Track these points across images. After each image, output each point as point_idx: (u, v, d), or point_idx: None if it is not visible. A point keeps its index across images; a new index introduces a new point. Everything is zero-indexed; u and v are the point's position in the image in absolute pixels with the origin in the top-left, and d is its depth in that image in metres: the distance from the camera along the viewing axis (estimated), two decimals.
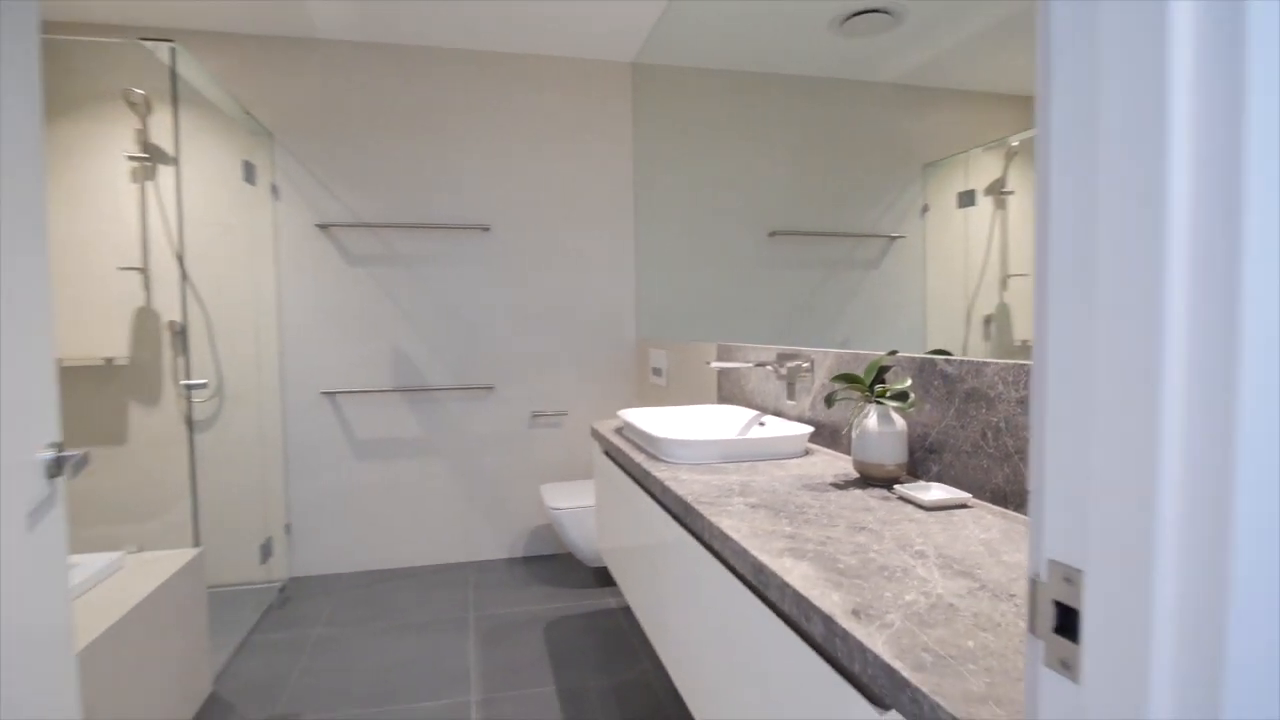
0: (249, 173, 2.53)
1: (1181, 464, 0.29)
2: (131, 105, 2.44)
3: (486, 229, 2.86)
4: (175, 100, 2.17)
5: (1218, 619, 0.28)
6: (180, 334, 2.51)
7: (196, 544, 1.91)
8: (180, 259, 2.48)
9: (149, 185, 2.47)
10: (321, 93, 2.69)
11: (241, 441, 2.63)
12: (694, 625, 1.12)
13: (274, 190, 2.66)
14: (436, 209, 2.82)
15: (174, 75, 1.95)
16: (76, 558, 1.60)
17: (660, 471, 1.29)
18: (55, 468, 0.95)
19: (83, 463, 0.97)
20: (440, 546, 2.91)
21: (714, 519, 0.97)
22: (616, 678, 1.99)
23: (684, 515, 1.09)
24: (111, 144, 2.46)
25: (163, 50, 1.84)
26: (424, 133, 2.79)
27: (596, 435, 1.88)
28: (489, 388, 2.90)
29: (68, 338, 2.44)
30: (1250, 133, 0.27)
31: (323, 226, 2.71)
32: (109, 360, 2.44)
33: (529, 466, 2.98)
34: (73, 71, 2.42)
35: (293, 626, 2.34)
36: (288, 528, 2.74)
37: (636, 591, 1.55)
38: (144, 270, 2.48)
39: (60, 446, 0.97)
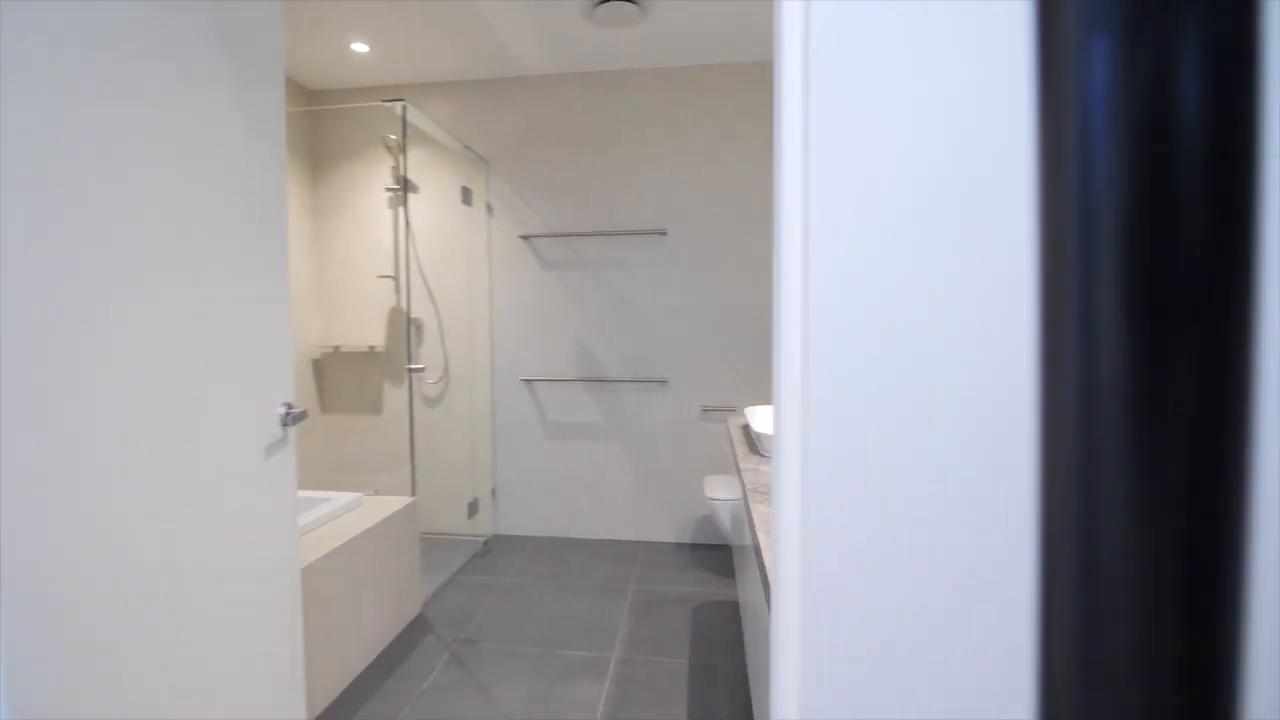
0: (466, 196, 3.06)
1: None
2: (388, 149, 3.10)
3: (664, 233, 3.08)
4: (404, 143, 2.73)
5: None
6: (411, 328, 3.12)
7: (413, 494, 2.41)
8: (419, 268, 3.10)
9: (400, 210, 3.12)
10: (525, 122, 3.14)
11: (460, 417, 3.19)
12: None
13: (489, 209, 3.18)
14: (619, 216, 3.11)
15: (404, 124, 2.47)
16: (330, 494, 2.14)
17: (747, 463, 1.37)
18: (286, 419, 1.35)
19: (301, 417, 1.35)
20: (615, 524, 3.22)
21: (755, 504, 1.05)
22: (746, 664, 2.08)
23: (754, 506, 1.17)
24: (377, 179, 3.15)
25: (397, 107, 2.36)
26: (609, 146, 3.10)
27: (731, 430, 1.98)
28: (663, 381, 3.13)
29: (345, 330, 3.19)
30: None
31: (525, 237, 3.16)
32: (371, 348, 3.14)
33: (698, 457, 3.15)
34: (353, 126, 3.15)
35: (489, 573, 2.79)
36: (493, 492, 3.25)
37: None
38: (395, 278, 3.14)
39: (290, 405, 1.37)
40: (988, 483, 0.40)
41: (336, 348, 3.17)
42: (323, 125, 3.18)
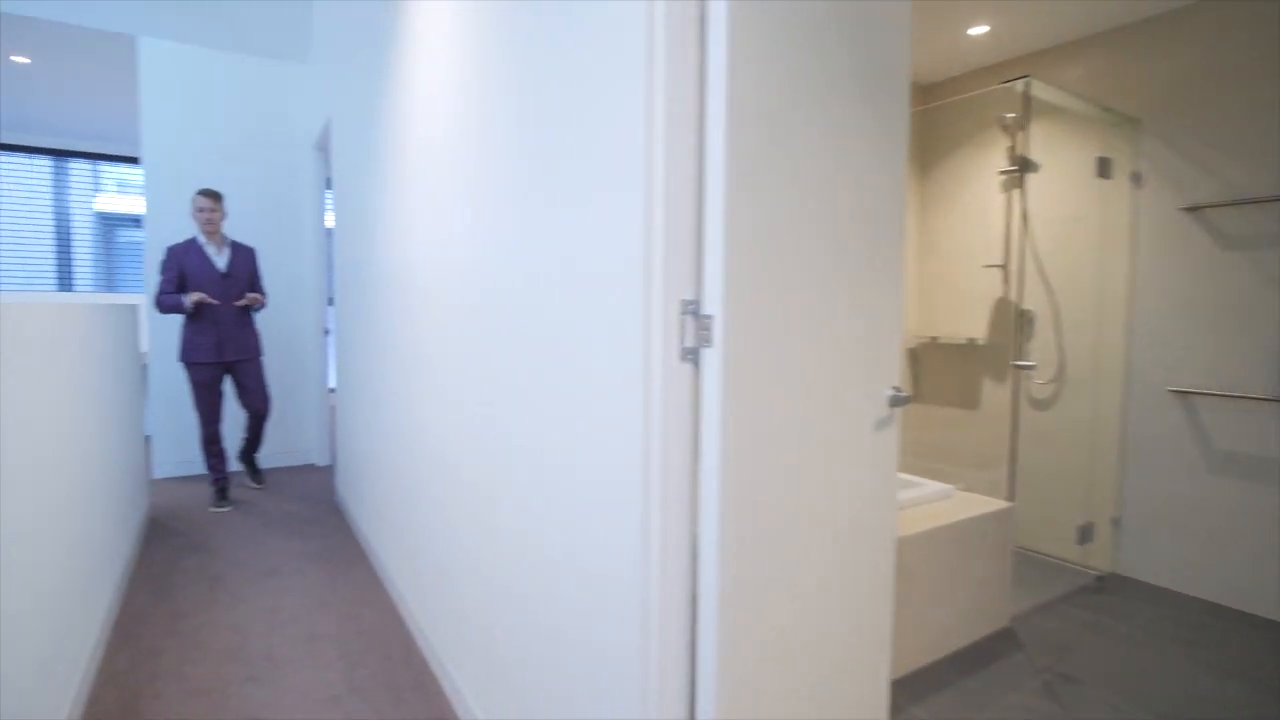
0: (1103, 167, 2.59)
1: None
2: (1004, 129, 2.90)
3: None
4: (1025, 121, 2.49)
5: None
6: (1021, 321, 2.85)
7: (1009, 500, 2.23)
8: (1033, 255, 2.81)
9: (1013, 194, 2.89)
10: (1193, 64, 2.44)
11: (1074, 425, 2.77)
12: None
13: (1135, 179, 2.62)
14: None
15: (1027, 101, 2.26)
16: (920, 480, 2.19)
17: None
18: (893, 400, 1.44)
19: (906, 400, 1.43)
20: None
21: None
22: None
23: None
24: (988, 164, 3.00)
25: (1018, 85, 2.18)
26: None
27: None
28: None
29: (943, 321, 3.18)
30: None
31: (1190, 209, 2.48)
32: (970, 340, 3.04)
33: None
34: (962, 113, 3.07)
35: (1102, 613, 2.36)
36: (1115, 521, 2.70)
37: None
38: (1004, 267, 2.93)
39: (898, 388, 1.46)
40: None
41: (934, 339, 3.19)
42: (931, 118, 3.22)
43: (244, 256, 3.47)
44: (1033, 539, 2.83)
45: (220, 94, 4.00)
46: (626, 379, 1.08)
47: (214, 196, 3.32)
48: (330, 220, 4.20)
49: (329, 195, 4.26)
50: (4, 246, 5.30)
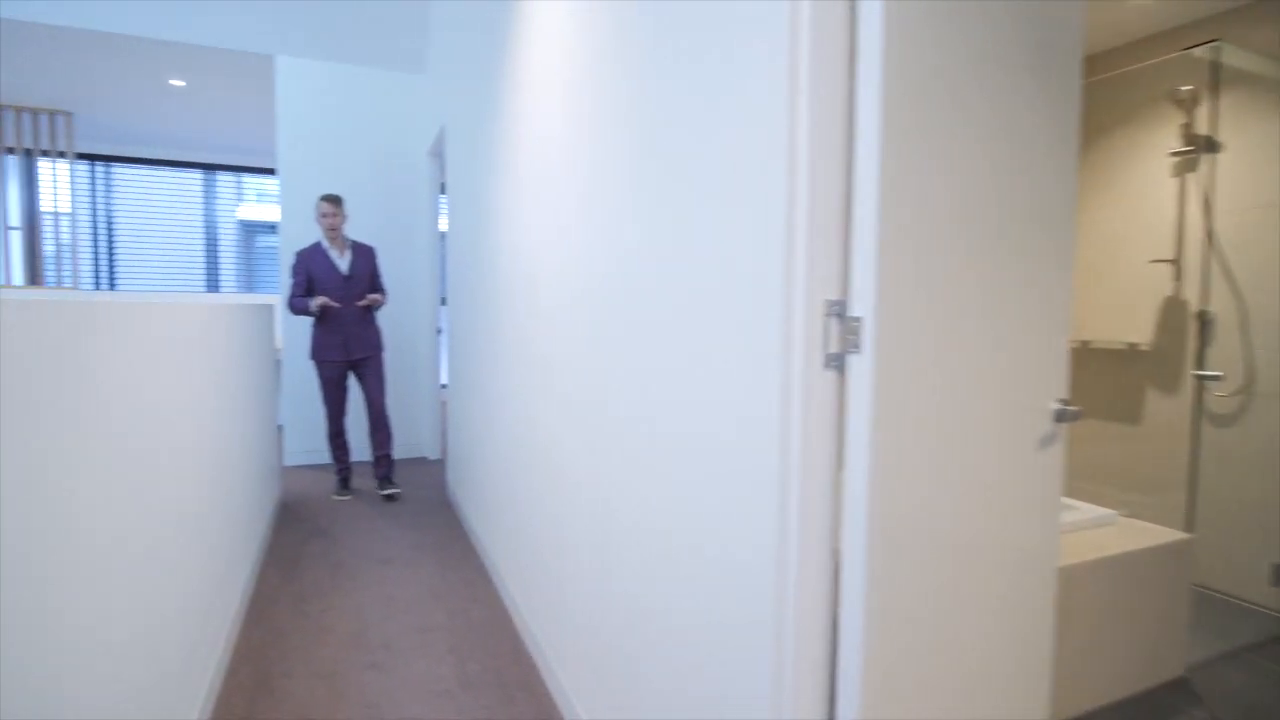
0: None
1: None
2: (1178, 103, 2.54)
3: None
4: (1213, 96, 2.14)
5: None
6: (1198, 324, 2.48)
7: (1188, 532, 1.93)
8: (1214, 248, 2.44)
9: (1189, 177, 2.52)
10: None
11: (1266, 446, 2.38)
12: None
13: None
14: None
15: (1215, 70, 1.95)
16: (1077, 502, 1.94)
17: None
18: (1059, 415, 1.26)
19: (1075, 415, 1.24)
20: None
21: None
22: None
23: None
24: (1154, 144, 2.64)
25: (1203, 51, 1.87)
26: None
27: None
28: None
29: (1098, 323, 2.83)
30: None
31: None
32: (1132, 345, 2.68)
33: None
34: (1124, 89, 2.72)
35: None
36: None
37: None
38: (1175, 261, 2.57)
39: (1065, 401, 1.27)
40: None
41: (1085, 342, 2.85)
42: (1086, 94, 2.87)
43: (364, 257, 3.60)
44: (1214, 577, 2.47)
45: (345, 106, 4.23)
46: (761, 386, 0.98)
47: (335, 201, 3.47)
48: (443, 224, 4.35)
49: (442, 200, 4.42)
50: (161, 252, 5.89)
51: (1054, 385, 1.29)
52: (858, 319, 0.93)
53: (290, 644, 2.12)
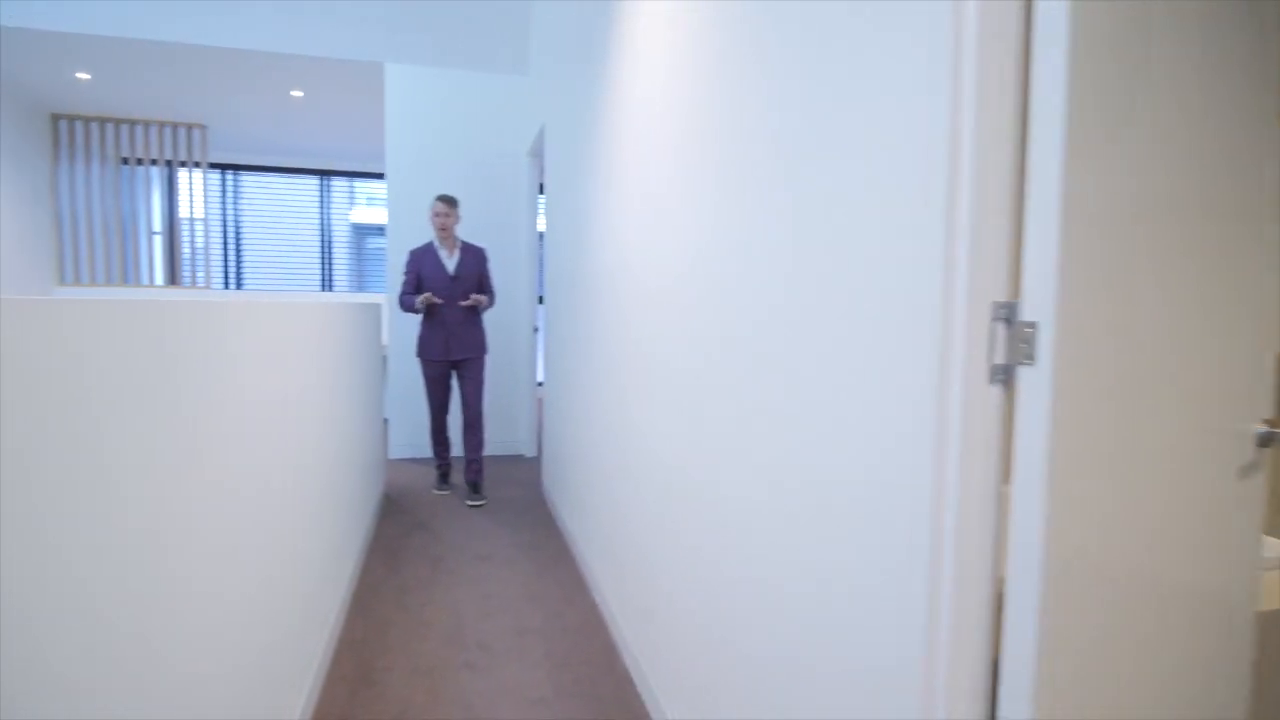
0: None
1: None
2: None
3: None
4: None
5: None
6: None
7: None
8: None
9: None
10: None
11: None
12: None
13: None
14: None
15: None
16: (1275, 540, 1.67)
17: None
18: (1264, 440, 1.06)
19: None
20: None
21: None
22: None
23: None
24: None
25: None
26: None
27: None
28: None
29: None
30: None
31: None
32: None
33: None
34: None
35: None
36: None
37: None
38: None
39: (1272, 424, 1.06)
40: None
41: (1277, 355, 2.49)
42: None
43: (473, 258, 3.61)
44: None
45: (449, 109, 4.35)
46: (910, 400, 0.86)
47: (450, 202, 3.50)
48: (541, 224, 4.39)
49: (540, 200, 4.46)
50: (281, 253, 6.29)
51: (1258, 405, 1.09)
52: (1031, 325, 0.79)
53: (391, 638, 2.16)
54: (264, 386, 1.39)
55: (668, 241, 1.67)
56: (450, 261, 3.55)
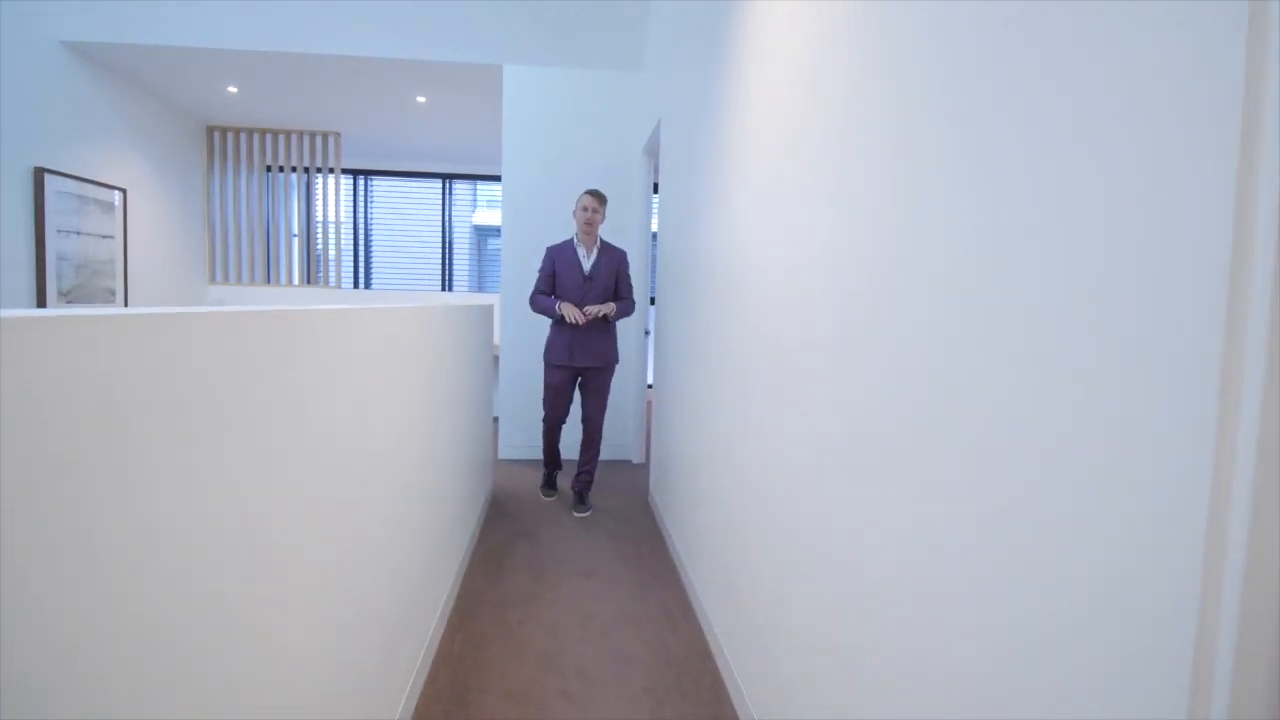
0: None
1: None
2: None
3: None
4: None
5: None
6: None
7: None
8: None
9: None
10: None
11: None
12: None
13: None
14: None
15: None
16: None
17: None
18: None
19: None
20: None
21: None
22: None
23: None
24: None
25: None
26: None
27: None
28: None
29: None
30: None
31: None
32: None
33: None
34: None
35: None
36: None
37: None
38: None
39: None
40: None
41: None
42: None
43: (611, 259, 3.38)
44: None
45: (564, 108, 4.28)
46: (1181, 413, 0.57)
47: (599, 197, 3.28)
48: (654, 224, 4.23)
49: (654, 199, 4.30)
50: (405, 254, 6.56)
51: None
52: None
53: (488, 655, 2.05)
54: (368, 392, 1.29)
55: (809, 246, 1.43)
56: (587, 261, 3.33)
